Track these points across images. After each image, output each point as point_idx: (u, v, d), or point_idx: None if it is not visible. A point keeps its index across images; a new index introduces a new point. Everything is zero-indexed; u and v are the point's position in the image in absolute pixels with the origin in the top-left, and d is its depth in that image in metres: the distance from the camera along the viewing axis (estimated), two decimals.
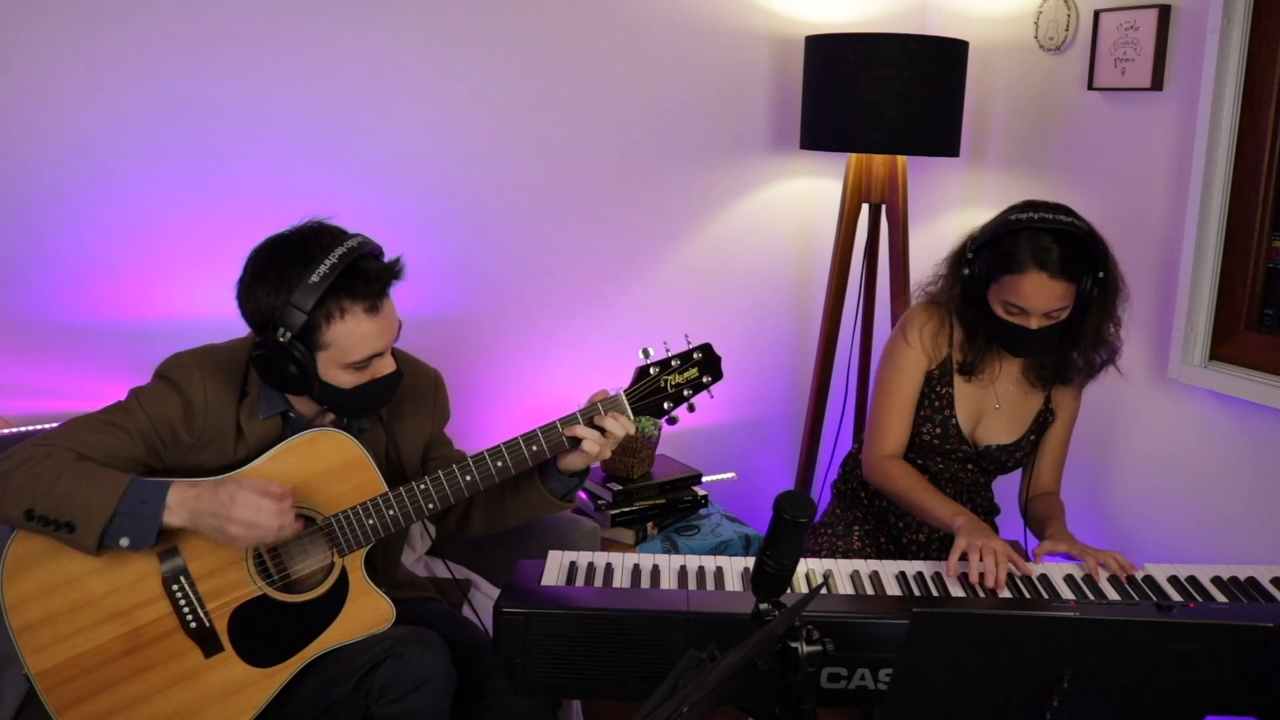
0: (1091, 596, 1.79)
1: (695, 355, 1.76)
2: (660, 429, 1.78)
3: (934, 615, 1.29)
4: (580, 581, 1.76)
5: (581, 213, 2.76)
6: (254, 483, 1.59)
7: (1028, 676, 1.33)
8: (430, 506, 1.71)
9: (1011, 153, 2.88)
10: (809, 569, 1.83)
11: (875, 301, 3.00)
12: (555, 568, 1.79)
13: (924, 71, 2.55)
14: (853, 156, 2.83)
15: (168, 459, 1.69)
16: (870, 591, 1.78)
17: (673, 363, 1.75)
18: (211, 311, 1.82)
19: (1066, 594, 1.79)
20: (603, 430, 1.72)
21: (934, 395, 2.09)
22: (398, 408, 1.86)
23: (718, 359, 1.77)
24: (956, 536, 1.84)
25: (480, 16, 2.52)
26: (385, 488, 1.71)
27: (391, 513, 1.70)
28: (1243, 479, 2.40)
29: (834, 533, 2.18)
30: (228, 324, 1.70)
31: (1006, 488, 2.25)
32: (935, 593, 1.79)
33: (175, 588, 1.65)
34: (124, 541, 1.56)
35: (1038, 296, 1.89)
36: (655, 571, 1.80)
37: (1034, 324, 1.92)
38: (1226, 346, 2.38)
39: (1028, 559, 1.96)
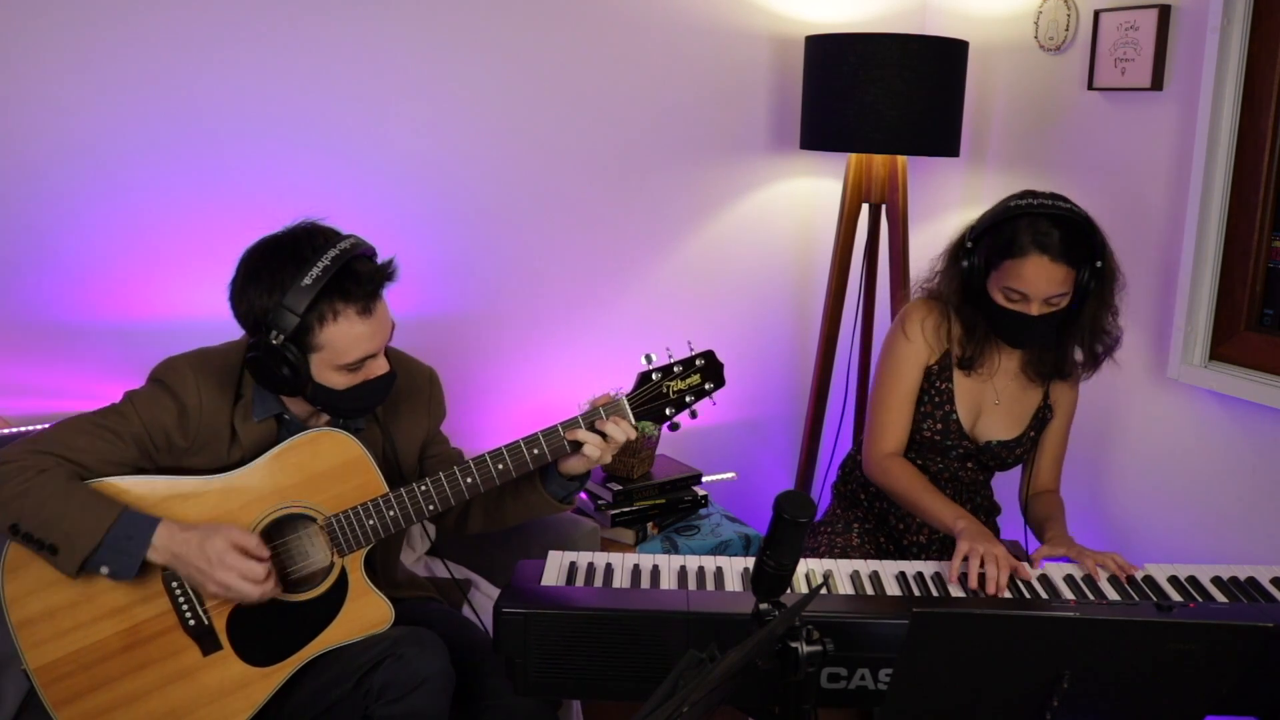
0: (1091, 597, 1.79)
1: (698, 361, 1.75)
2: (660, 429, 1.78)
3: (934, 615, 1.29)
4: (580, 581, 1.76)
5: (581, 213, 2.76)
6: (241, 542, 1.60)
7: (1028, 677, 1.33)
8: (431, 508, 1.71)
9: (1011, 153, 2.88)
10: (809, 569, 1.83)
11: (875, 301, 3.00)
12: (555, 568, 1.78)
13: (924, 71, 2.55)
14: (853, 156, 2.83)
15: (161, 462, 1.69)
16: (870, 592, 1.78)
17: (675, 368, 1.74)
18: (211, 312, 1.81)
19: (1066, 594, 1.79)
20: (604, 435, 1.72)
21: (934, 391, 2.09)
22: (394, 407, 1.86)
23: (720, 366, 1.76)
24: (958, 541, 1.84)
25: (480, 17, 2.52)
26: (386, 488, 1.71)
27: (392, 513, 1.70)
28: (1243, 479, 2.40)
29: (834, 532, 2.18)
30: (227, 324, 1.70)
31: (1007, 486, 2.25)
32: (935, 593, 1.79)
33: (175, 584, 1.65)
34: (104, 570, 1.57)
35: (1039, 280, 1.90)
36: (655, 571, 1.80)
37: (1035, 310, 1.92)
38: (1226, 346, 2.38)
39: (1028, 559, 1.96)
